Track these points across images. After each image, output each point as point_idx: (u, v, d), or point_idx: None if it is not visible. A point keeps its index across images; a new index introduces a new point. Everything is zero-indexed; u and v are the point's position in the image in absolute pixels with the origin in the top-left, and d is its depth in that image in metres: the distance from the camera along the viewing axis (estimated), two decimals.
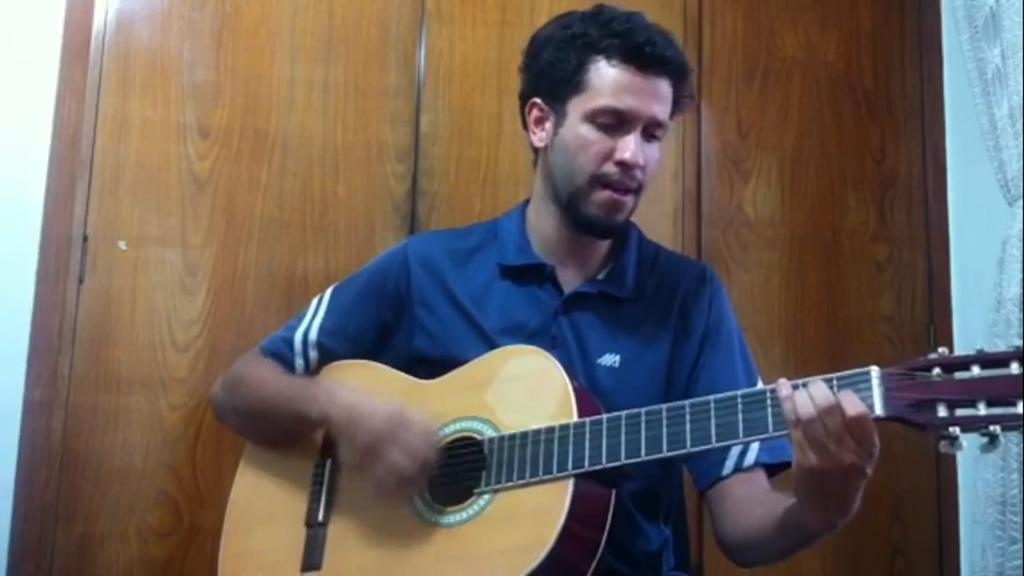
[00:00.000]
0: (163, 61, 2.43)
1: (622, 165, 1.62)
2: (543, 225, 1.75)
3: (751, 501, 1.57)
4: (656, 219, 2.52)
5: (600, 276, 1.74)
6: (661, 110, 1.64)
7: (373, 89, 2.52)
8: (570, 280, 1.73)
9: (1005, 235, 2.43)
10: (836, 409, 1.28)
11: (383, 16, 2.55)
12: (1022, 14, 2.41)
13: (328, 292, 1.84)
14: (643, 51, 1.61)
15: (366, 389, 1.65)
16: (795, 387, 1.32)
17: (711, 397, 1.40)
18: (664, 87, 1.64)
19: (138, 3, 2.44)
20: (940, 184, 2.77)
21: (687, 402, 1.41)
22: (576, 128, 1.64)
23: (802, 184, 2.72)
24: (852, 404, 1.27)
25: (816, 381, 1.32)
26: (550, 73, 1.68)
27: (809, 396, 1.29)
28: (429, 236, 1.91)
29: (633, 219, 1.76)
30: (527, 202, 1.80)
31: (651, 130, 1.64)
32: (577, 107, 1.64)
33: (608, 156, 1.62)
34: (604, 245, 1.74)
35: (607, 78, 1.62)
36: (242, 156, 2.43)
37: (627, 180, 1.63)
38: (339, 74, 2.51)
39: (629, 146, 1.61)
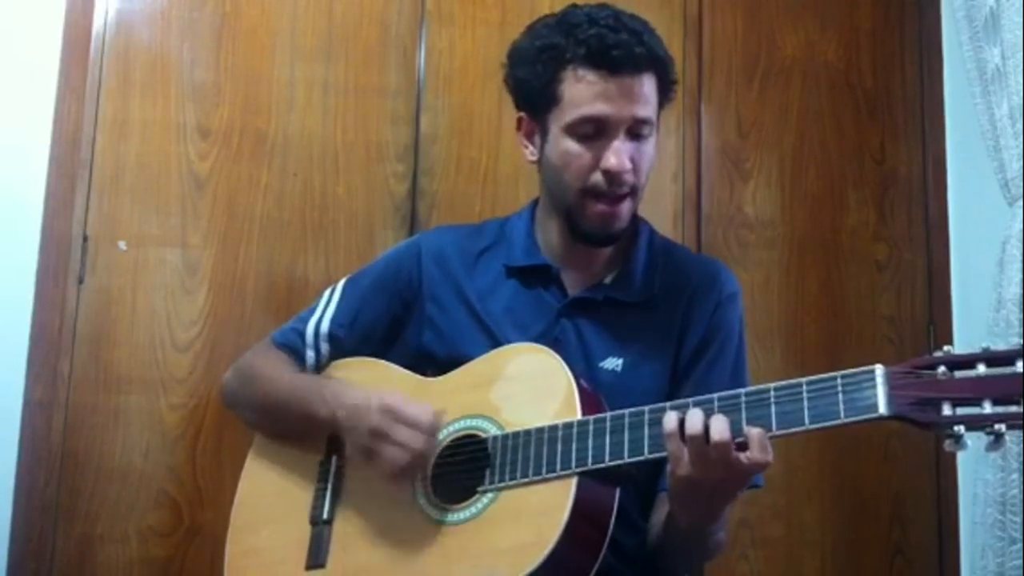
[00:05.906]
0: (163, 61, 2.43)
1: (608, 174, 1.59)
2: (549, 231, 1.75)
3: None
4: (656, 219, 2.44)
5: (607, 280, 1.72)
6: (642, 108, 1.59)
7: (373, 89, 2.52)
8: (576, 283, 1.72)
9: (1005, 235, 2.42)
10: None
11: (383, 16, 2.55)
12: (1022, 14, 2.40)
13: (340, 284, 1.83)
14: (611, 54, 1.56)
15: (374, 387, 1.65)
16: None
17: (715, 395, 1.39)
18: (640, 84, 1.59)
19: (138, 3, 2.44)
20: (940, 184, 2.76)
21: (691, 400, 1.41)
22: (559, 143, 1.63)
23: (802, 184, 2.71)
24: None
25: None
26: (526, 89, 1.67)
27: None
28: (442, 232, 1.89)
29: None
30: (536, 201, 1.79)
31: (636, 129, 1.60)
32: (556, 121, 1.62)
33: (593, 167, 1.60)
34: (610, 248, 1.72)
35: (579, 88, 1.58)
36: (242, 156, 2.43)
37: (616, 188, 1.61)
38: (339, 74, 2.51)
39: (613, 153, 1.58)
